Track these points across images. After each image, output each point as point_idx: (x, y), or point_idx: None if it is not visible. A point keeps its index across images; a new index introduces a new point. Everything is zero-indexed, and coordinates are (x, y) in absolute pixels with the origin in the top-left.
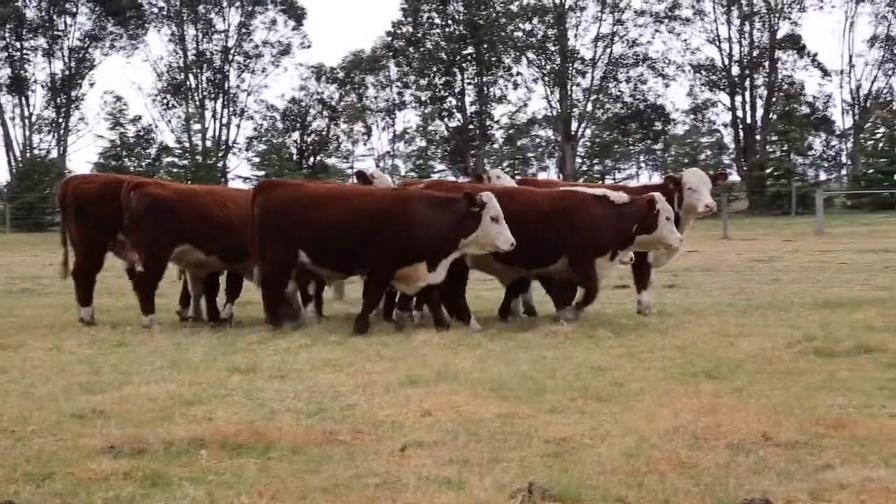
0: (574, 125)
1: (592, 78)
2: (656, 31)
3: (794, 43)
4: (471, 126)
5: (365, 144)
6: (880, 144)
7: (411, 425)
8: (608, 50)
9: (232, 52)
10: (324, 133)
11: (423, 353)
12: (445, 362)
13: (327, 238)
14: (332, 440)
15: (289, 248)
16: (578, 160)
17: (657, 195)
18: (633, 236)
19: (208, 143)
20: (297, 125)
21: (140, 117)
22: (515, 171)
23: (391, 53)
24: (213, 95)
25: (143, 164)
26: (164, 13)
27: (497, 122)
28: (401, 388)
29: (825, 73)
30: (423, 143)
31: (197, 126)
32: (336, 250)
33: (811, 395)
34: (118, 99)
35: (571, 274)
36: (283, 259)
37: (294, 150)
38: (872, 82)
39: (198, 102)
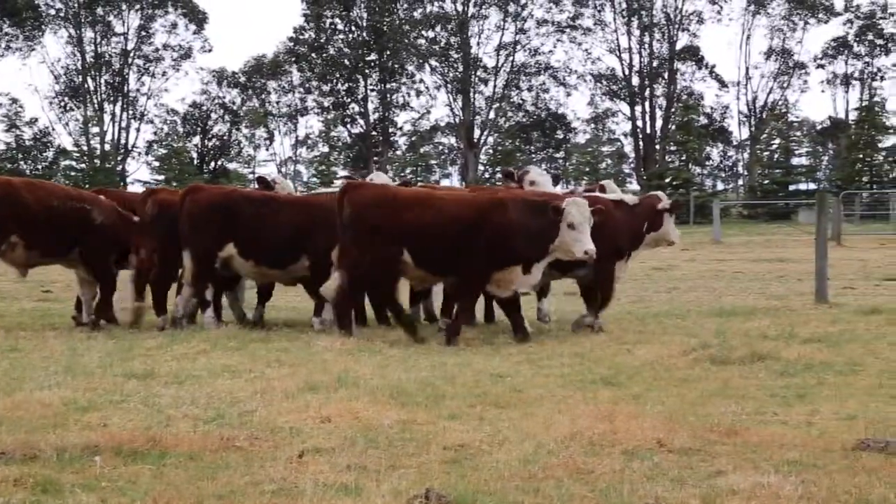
0: (477, 133)
1: (495, 86)
2: (558, 40)
3: (692, 54)
4: (374, 132)
5: (267, 150)
6: (776, 155)
7: (310, 431)
8: (510, 58)
9: (131, 55)
10: (225, 137)
11: (323, 358)
12: (346, 368)
13: (428, 239)
14: (230, 446)
15: (392, 247)
16: (481, 167)
17: (661, 193)
18: (643, 236)
19: (107, 147)
20: (198, 129)
21: (37, 120)
22: (418, 178)
23: (294, 59)
24: (112, 98)
25: (40, 167)
26: (62, 15)
27: (400, 128)
28: (300, 395)
29: (723, 84)
30: (326, 149)
31: (95, 129)
32: (436, 251)
33: (705, 402)
34: (14, 101)
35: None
36: (385, 258)
37: (195, 155)
38: (768, 94)
39: (96, 105)
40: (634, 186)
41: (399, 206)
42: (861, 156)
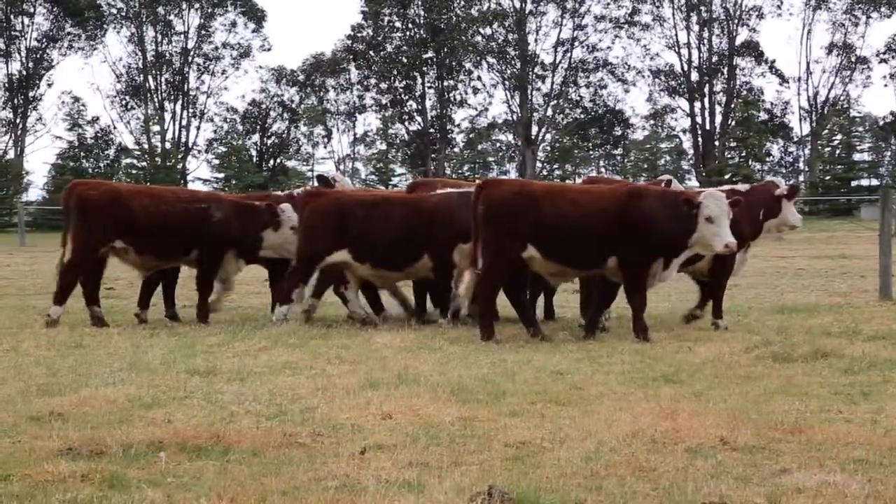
0: (534, 130)
1: (552, 83)
2: (616, 36)
3: (752, 49)
4: (431, 130)
5: (325, 147)
6: (837, 151)
7: (371, 428)
8: (568, 55)
9: (191, 53)
10: (284, 135)
11: (383, 355)
12: (405, 365)
13: (567, 233)
14: (292, 443)
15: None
16: (539, 164)
17: (777, 179)
18: (761, 224)
19: (167, 145)
20: (257, 127)
21: (98, 118)
22: (476, 175)
23: (352, 56)
24: (172, 97)
25: (102, 165)
26: (123, 14)
27: (457, 125)
28: (361, 391)
29: (783, 79)
30: (384, 147)
31: (156, 128)
32: (576, 246)
33: (768, 400)
34: (76, 100)
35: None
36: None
37: (254, 153)
38: (829, 89)
39: (157, 104)
40: (693, 183)
41: (534, 200)
42: None
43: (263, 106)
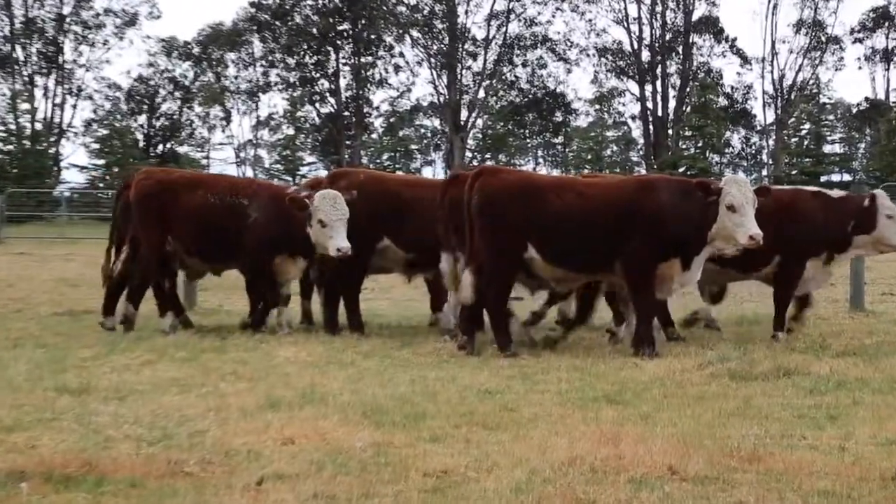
0: (464, 114)
1: (485, 61)
2: (557, 8)
3: (711, 26)
4: (346, 113)
5: (223, 131)
6: (805, 142)
7: (270, 455)
8: (503, 29)
9: (67, 20)
10: (175, 117)
11: (286, 371)
12: (312, 382)
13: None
14: (177, 472)
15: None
16: (468, 154)
17: (879, 192)
18: (848, 237)
19: (38, 126)
20: (144, 107)
21: None
22: (397, 165)
23: (255, 27)
24: (44, 70)
25: None
26: None
27: (376, 108)
28: (259, 413)
29: (745, 60)
30: (291, 132)
31: (25, 105)
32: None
33: (724, 424)
34: None
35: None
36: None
37: (140, 136)
38: (797, 72)
39: (26, 78)
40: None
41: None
42: None
43: (152, 83)
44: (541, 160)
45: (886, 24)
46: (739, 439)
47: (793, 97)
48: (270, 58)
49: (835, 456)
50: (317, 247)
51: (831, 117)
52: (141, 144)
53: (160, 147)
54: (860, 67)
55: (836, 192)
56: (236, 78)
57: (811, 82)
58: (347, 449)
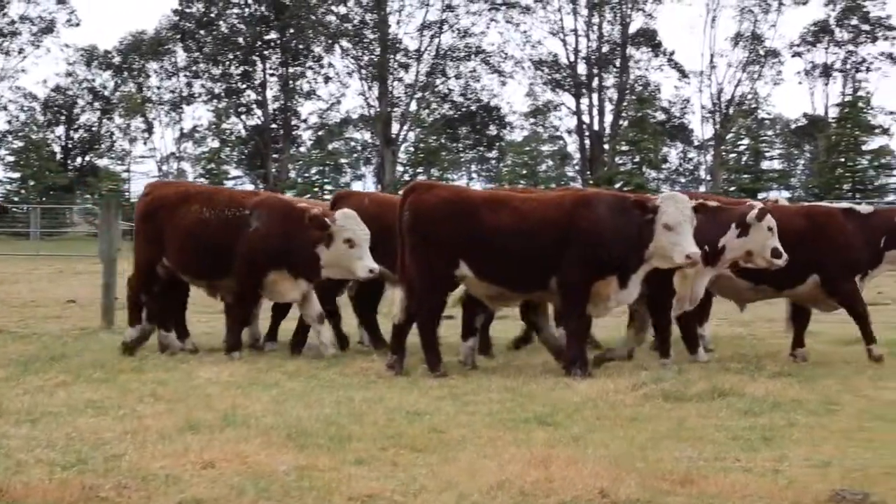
0: (395, 127)
1: (417, 72)
2: (492, 20)
3: (648, 39)
4: (273, 125)
5: (145, 144)
6: (744, 158)
7: (189, 479)
8: (436, 40)
9: None
10: (94, 128)
11: (207, 393)
12: (234, 404)
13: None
14: (92, 497)
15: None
16: (400, 168)
17: None
18: (881, 252)
19: None
20: (62, 118)
21: None
22: (326, 180)
23: (178, 36)
24: None
25: None
26: None
27: (304, 121)
28: (178, 435)
29: (683, 74)
30: (216, 144)
31: None
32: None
33: (657, 446)
34: None
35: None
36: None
37: (57, 148)
38: (736, 86)
39: None
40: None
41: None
42: (842, 160)
43: (70, 93)
44: (475, 175)
45: (826, 38)
46: (672, 462)
47: (731, 112)
48: (194, 68)
49: (768, 478)
50: (333, 269)
51: (770, 133)
52: (58, 157)
53: (79, 160)
54: (800, 82)
55: (866, 208)
56: (159, 88)
57: (749, 97)
58: (270, 473)
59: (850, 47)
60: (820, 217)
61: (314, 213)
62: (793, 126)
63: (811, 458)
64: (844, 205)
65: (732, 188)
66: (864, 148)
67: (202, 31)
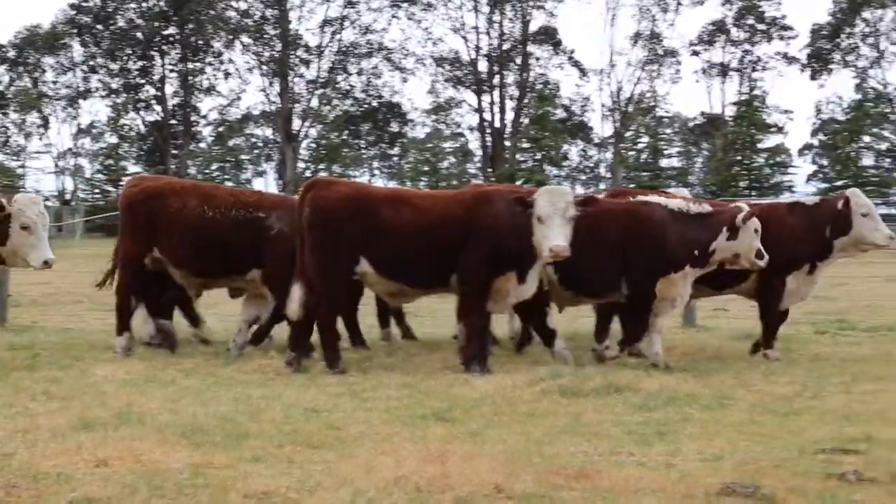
0: (296, 123)
1: (319, 69)
2: (393, 16)
3: (549, 37)
4: (172, 121)
5: (41, 139)
6: (643, 155)
7: (81, 478)
8: (337, 37)
9: None
10: None
11: (102, 390)
12: (129, 402)
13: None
14: None
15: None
16: (301, 164)
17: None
18: (829, 242)
19: None
20: None
21: None
22: (226, 176)
23: (75, 31)
24: None
25: None
26: None
27: (204, 117)
28: (71, 434)
29: (583, 72)
30: (115, 140)
31: None
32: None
33: (553, 441)
34: None
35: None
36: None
37: None
38: (635, 85)
39: None
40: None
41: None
42: (739, 158)
43: None
44: (377, 172)
45: (722, 38)
46: (568, 456)
47: (630, 110)
48: (92, 63)
49: (661, 472)
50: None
51: (668, 131)
52: None
53: None
54: (697, 81)
55: (811, 199)
56: (55, 83)
57: (648, 95)
58: (164, 471)
59: (747, 47)
60: (763, 215)
61: None
62: (691, 124)
63: (704, 452)
64: (790, 200)
65: (632, 185)
66: (759, 146)
67: (100, 26)
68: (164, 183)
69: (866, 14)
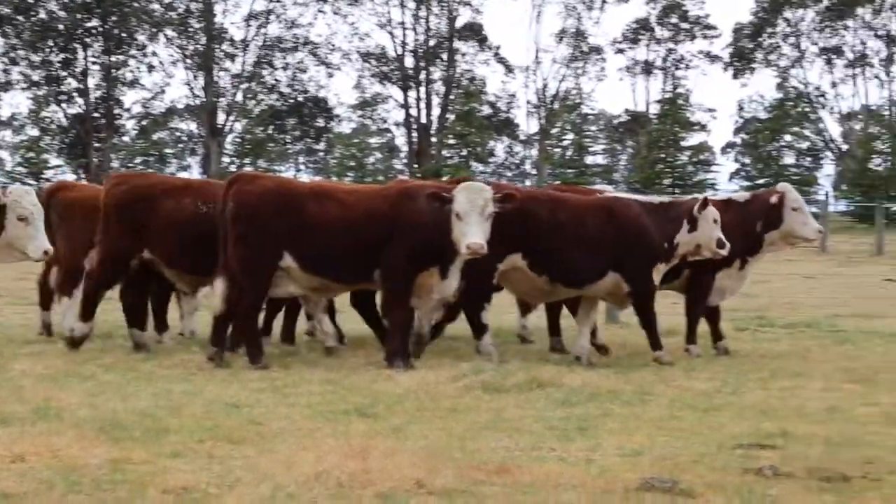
0: (221, 118)
1: (244, 63)
2: (319, 10)
3: (475, 33)
4: (95, 114)
5: None
6: (568, 152)
7: None
8: (262, 31)
9: None
10: None
11: (19, 385)
12: (46, 397)
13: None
14: None
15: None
16: (226, 159)
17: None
18: (759, 237)
19: None
20: None
21: None
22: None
23: None
24: None
25: None
26: None
27: (128, 110)
28: None
29: (509, 69)
30: (36, 133)
31: None
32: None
33: (475, 436)
34: None
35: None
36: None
37: None
38: (560, 82)
39: None
40: None
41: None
42: (662, 155)
43: None
44: (302, 167)
45: (647, 36)
46: (489, 452)
47: (556, 107)
48: (12, 54)
49: (581, 467)
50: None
51: (594, 128)
52: None
53: None
54: (622, 79)
55: (742, 195)
56: None
57: (574, 92)
58: (82, 466)
59: (671, 45)
60: None
61: None
62: (615, 122)
63: (623, 447)
64: (723, 196)
65: (557, 181)
66: (683, 144)
67: (20, 17)
68: (156, 181)
69: (788, 14)
